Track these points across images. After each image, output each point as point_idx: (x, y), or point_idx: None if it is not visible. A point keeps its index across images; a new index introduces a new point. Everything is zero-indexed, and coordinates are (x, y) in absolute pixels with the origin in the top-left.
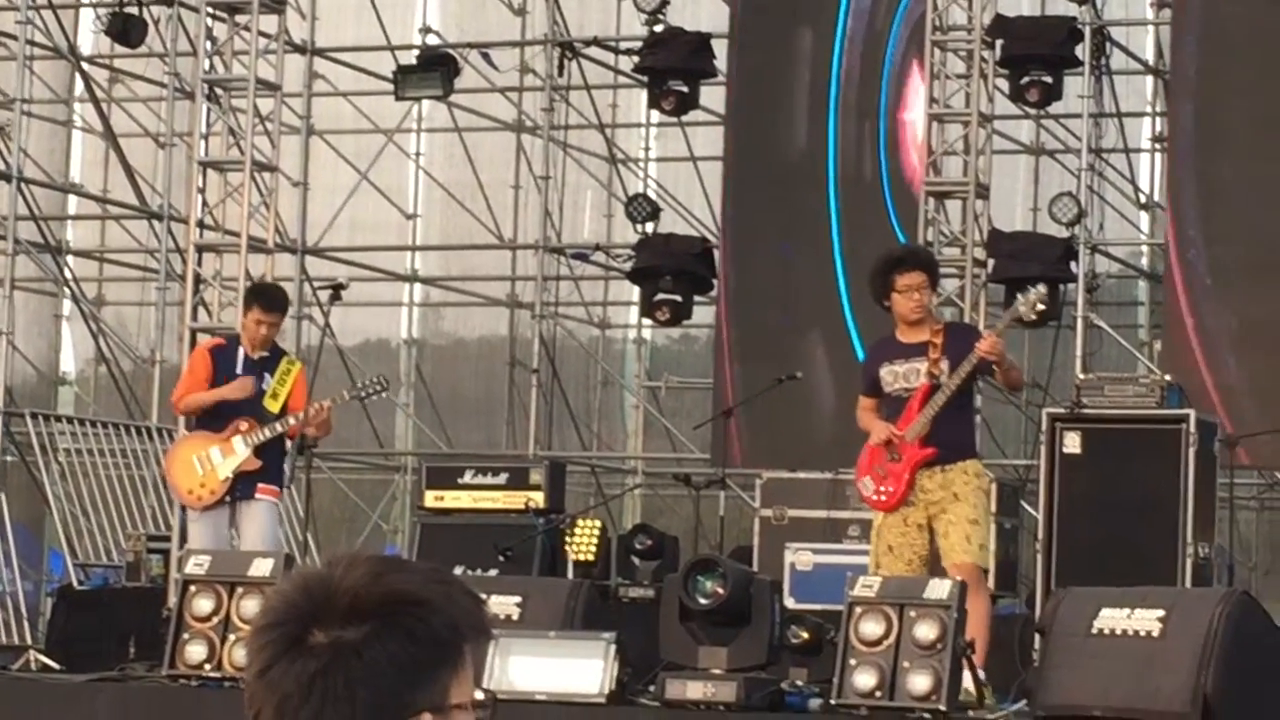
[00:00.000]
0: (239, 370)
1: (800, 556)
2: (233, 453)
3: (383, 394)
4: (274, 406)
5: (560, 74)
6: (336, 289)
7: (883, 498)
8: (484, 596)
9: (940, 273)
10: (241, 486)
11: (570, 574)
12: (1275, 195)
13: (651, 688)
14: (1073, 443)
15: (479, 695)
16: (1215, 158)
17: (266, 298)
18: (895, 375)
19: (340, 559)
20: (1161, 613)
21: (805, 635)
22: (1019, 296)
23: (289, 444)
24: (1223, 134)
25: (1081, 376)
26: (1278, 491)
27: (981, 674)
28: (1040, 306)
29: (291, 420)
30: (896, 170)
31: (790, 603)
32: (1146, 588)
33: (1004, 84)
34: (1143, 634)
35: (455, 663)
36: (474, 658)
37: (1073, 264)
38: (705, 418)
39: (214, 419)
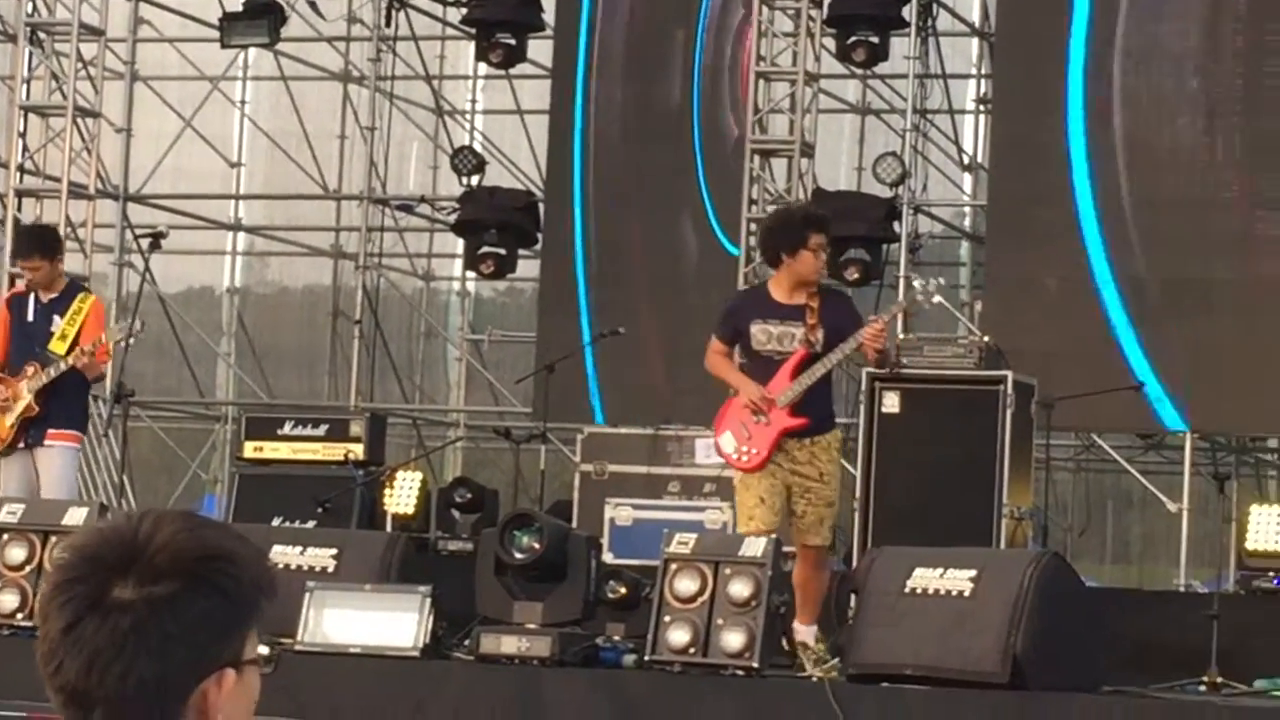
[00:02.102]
0: (30, 316)
1: (620, 511)
2: (20, 399)
3: (133, 340)
4: (60, 348)
5: (387, 24)
6: (156, 237)
7: (745, 459)
8: (300, 549)
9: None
10: (32, 433)
11: (389, 527)
12: (1096, 156)
13: (467, 641)
14: (891, 402)
15: (263, 650)
16: (1039, 120)
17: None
18: (769, 335)
19: (142, 514)
20: (973, 573)
21: (623, 590)
22: (915, 285)
23: (102, 386)
24: (1046, 96)
25: (901, 336)
26: (1094, 453)
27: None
28: (936, 298)
29: (70, 360)
30: (713, 126)
31: (609, 558)
32: (959, 548)
33: (831, 43)
34: (954, 594)
35: (255, 619)
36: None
37: (896, 224)
38: (529, 371)
39: (12, 367)
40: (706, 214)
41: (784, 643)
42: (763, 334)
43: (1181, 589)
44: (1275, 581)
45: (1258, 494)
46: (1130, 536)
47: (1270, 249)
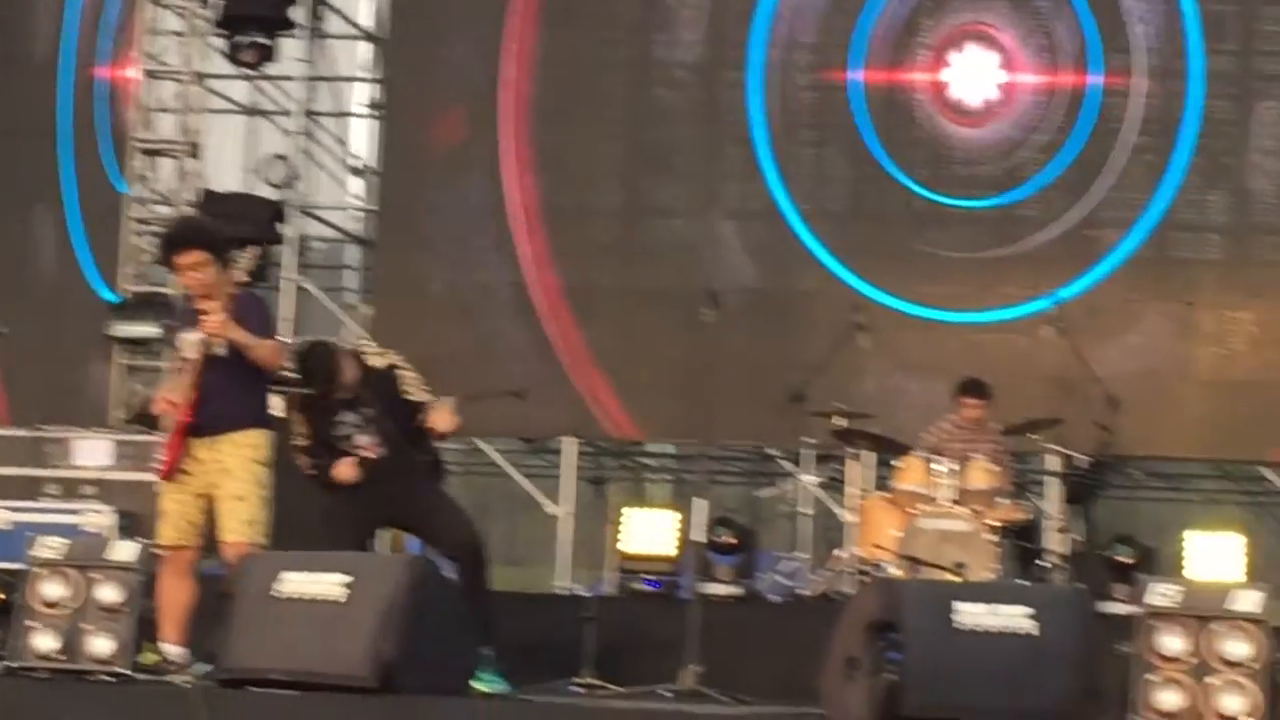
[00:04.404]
0: None
1: None
2: None
3: None
4: None
5: None
6: None
7: (160, 465)
8: None
9: (224, 244)
10: None
11: None
12: (485, 162)
13: None
14: (277, 405)
15: None
16: (431, 125)
17: None
18: (184, 342)
19: None
20: (347, 578)
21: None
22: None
23: None
24: (441, 102)
25: (291, 340)
26: (479, 457)
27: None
28: (245, 276)
29: None
30: (120, 126)
31: None
32: (330, 553)
33: (221, 43)
34: (326, 598)
35: None
36: None
37: (283, 226)
38: None
39: None
40: (64, 211)
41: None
42: (180, 341)
43: (563, 591)
44: (648, 584)
45: (637, 497)
46: (516, 539)
47: (653, 256)
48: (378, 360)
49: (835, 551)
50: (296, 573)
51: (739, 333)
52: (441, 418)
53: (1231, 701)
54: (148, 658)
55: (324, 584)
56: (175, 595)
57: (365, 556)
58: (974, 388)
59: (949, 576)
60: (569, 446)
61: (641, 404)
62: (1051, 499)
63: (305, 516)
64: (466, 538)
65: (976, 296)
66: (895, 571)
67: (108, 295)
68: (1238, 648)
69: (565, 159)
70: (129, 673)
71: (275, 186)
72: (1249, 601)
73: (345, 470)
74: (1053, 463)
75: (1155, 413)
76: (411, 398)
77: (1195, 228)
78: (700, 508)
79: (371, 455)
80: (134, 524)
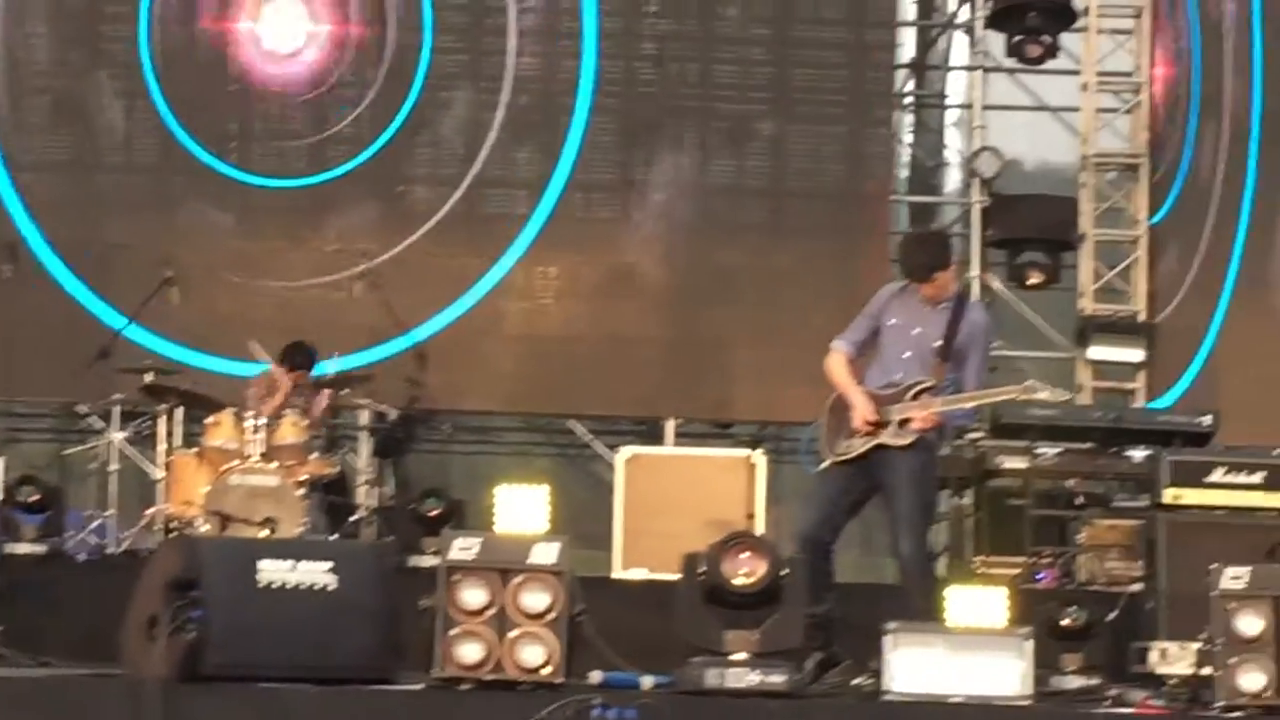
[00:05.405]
0: None
1: None
2: None
3: None
4: None
5: None
6: None
7: None
8: None
9: None
10: None
11: None
12: None
13: None
14: None
15: None
16: None
17: None
18: None
19: None
20: None
21: None
22: None
23: None
24: None
25: None
26: None
27: None
28: None
29: None
30: None
31: None
32: None
33: None
34: None
35: None
36: None
37: None
38: None
39: None
40: None
41: None
42: None
43: None
44: None
45: None
46: None
47: None
48: None
49: (145, 510)
50: None
51: (44, 288)
52: None
53: (531, 653)
54: None
55: None
56: None
57: None
58: (297, 359)
59: (258, 533)
60: None
61: None
62: (362, 453)
63: None
64: None
65: (289, 252)
66: (205, 529)
67: None
68: (537, 599)
69: None
70: None
71: None
72: (548, 553)
73: None
74: (363, 417)
75: (465, 367)
76: None
77: (506, 184)
78: None
79: None
80: None
